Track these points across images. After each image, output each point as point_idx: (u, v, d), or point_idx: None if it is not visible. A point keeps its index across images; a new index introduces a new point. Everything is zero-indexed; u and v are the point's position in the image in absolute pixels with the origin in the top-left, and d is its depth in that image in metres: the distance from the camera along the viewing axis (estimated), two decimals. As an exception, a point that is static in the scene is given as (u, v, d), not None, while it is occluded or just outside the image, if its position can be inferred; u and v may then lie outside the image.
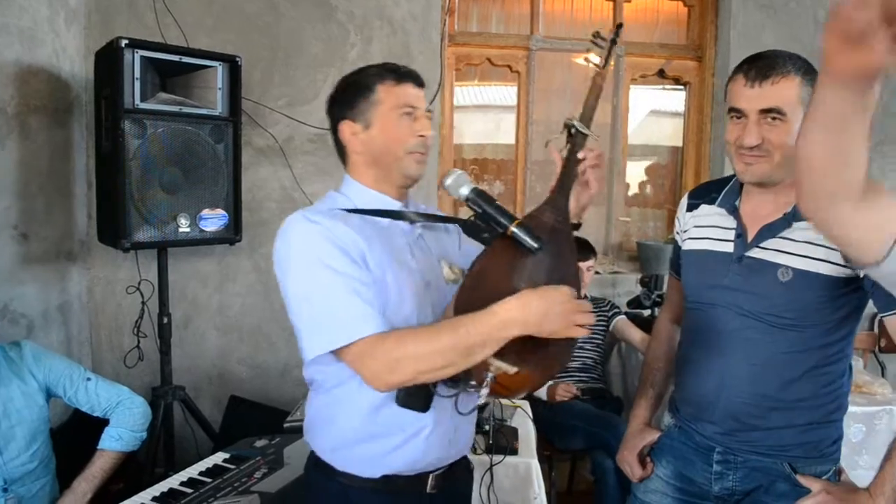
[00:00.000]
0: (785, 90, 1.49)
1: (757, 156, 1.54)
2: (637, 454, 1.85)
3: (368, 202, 1.55)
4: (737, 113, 1.56)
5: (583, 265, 3.37)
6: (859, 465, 2.77)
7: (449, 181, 1.50)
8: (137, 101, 2.70)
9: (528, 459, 2.34)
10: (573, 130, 1.57)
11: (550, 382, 3.08)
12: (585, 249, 3.41)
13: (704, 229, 1.74)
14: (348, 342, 1.34)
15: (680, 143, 4.10)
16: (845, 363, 1.66)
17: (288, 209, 3.42)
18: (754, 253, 1.60)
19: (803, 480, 1.59)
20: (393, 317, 1.40)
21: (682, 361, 1.81)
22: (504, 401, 2.76)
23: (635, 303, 3.52)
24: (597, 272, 3.55)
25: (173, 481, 2.17)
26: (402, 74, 1.53)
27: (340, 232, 1.42)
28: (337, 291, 1.37)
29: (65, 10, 3.19)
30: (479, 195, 1.47)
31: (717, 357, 1.65)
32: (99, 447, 2.27)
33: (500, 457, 2.27)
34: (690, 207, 1.81)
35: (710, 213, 1.74)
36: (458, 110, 3.91)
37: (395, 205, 1.56)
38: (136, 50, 2.70)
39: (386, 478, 1.49)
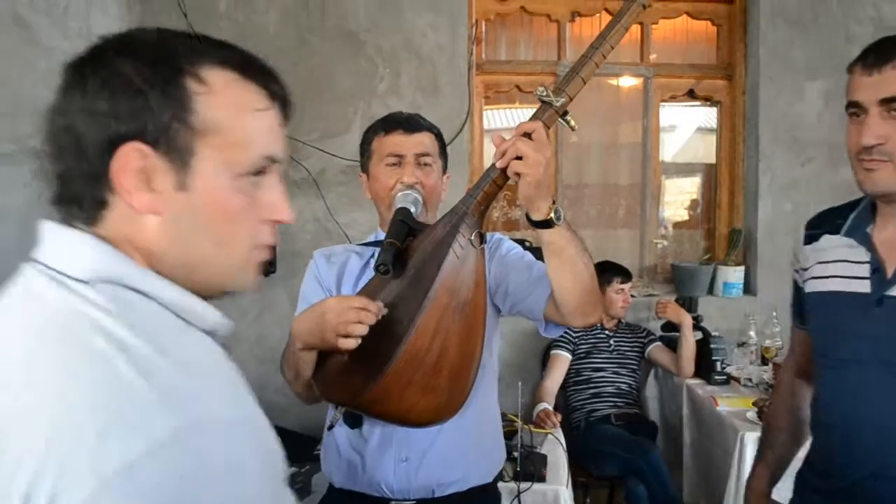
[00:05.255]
0: None
1: (878, 160, 1.27)
2: None
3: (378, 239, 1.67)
4: (855, 109, 1.29)
5: (619, 287, 3.38)
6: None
7: (398, 195, 1.54)
8: (174, 140, 2.81)
9: (556, 487, 2.33)
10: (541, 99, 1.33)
11: (540, 406, 3.02)
12: (621, 273, 3.42)
13: (830, 265, 1.42)
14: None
15: (713, 161, 4.06)
16: None
17: (322, 240, 3.54)
18: None
19: None
20: None
21: (816, 430, 1.51)
22: (534, 427, 2.78)
23: (669, 326, 3.49)
24: (632, 296, 3.53)
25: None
26: (390, 124, 1.62)
27: (323, 268, 1.64)
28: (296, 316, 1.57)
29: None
30: (397, 212, 1.47)
31: (861, 425, 1.34)
32: None
33: (528, 484, 2.28)
34: (809, 239, 1.50)
35: (836, 246, 1.43)
36: (488, 133, 3.93)
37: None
38: (171, 91, 2.80)
39: (347, 491, 1.59)
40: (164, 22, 3.46)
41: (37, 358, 0.63)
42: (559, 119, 1.33)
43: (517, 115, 4.19)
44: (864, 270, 1.35)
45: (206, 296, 0.75)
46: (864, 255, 1.36)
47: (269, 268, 3.10)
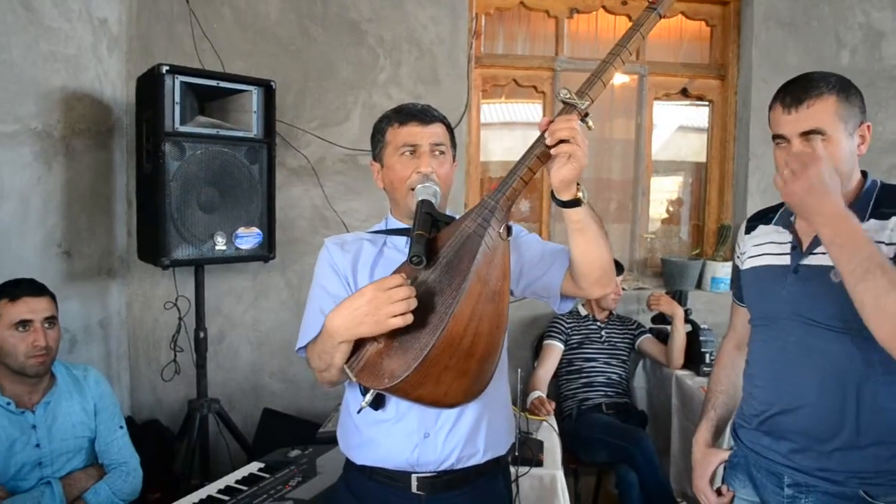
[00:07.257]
0: (821, 111, 1.53)
1: None
2: (709, 480, 1.84)
3: (390, 227, 1.72)
4: (781, 139, 1.60)
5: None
6: None
7: (418, 188, 1.58)
8: (177, 125, 2.82)
9: (553, 471, 2.39)
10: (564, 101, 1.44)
11: (534, 394, 3.10)
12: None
13: (762, 246, 1.76)
14: (301, 345, 1.59)
15: (704, 159, 4.14)
16: None
17: (319, 227, 3.57)
18: (809, 260, 1.61)
19: None
20: None
21: (748, 379, 1.79)
22: (530, 415, 2.84)
23: (659, 318, 3.56)
24: (623, 289, 3.60)
25: (211, 489, 2.27)
26: (405, 116, 1.65)
27: (337, 256, 1.66)
28: (313, 304, 1.61)
29: (107, 38, 3.34)
30: (420, 204, 1.51)
31: (784, 368, 1.64)
32: (82, 496, 2.30)
33: (526, 468, 2.33)
34: (748, 230, 1.85)
35: (767, 232, 1.77)
36: (484, 127, 3.98)
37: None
38: (175, 76, 2.82)
39: (369, 467, 1.64)
40: (165, 8, 3.47)
41: None
42: (579, 121, 1.41)
43: (513, 109, 4.23)
44: (787, 248, 1.69)
45: None
46: (787, 237, 1.70)
47: (267, 254, 3.12)
